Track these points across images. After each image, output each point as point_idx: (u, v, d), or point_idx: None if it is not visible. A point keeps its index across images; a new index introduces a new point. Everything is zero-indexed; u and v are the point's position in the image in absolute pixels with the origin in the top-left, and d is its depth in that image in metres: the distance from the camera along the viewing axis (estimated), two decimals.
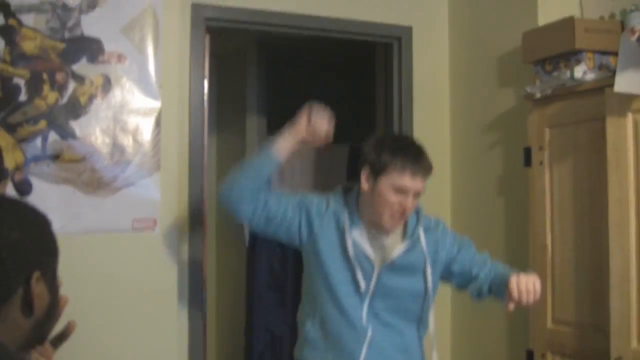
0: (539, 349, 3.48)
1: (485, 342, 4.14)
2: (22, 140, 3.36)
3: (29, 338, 1.49)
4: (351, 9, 4.23)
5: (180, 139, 3.72)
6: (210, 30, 3.89)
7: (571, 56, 3.30)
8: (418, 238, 2.89)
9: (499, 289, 2.80)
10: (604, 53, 3.28)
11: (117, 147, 3.52)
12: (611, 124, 3.05)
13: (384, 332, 2.85)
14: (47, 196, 3.37)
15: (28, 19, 3.38)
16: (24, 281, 1.43)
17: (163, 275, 3.65)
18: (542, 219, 3.48)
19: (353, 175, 3.06)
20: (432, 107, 4.42)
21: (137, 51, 3.56)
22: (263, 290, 5.28)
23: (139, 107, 3.57)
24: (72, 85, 3.45)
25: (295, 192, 3.00)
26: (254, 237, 5.28)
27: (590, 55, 3.27)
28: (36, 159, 3.38)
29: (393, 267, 2.85)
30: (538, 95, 3.45)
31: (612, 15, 3.45)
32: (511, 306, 2.66)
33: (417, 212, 2.96)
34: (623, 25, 3.26)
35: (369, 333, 2.82)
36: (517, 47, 3.71)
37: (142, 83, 3.58)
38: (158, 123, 3.61)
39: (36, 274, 1.44)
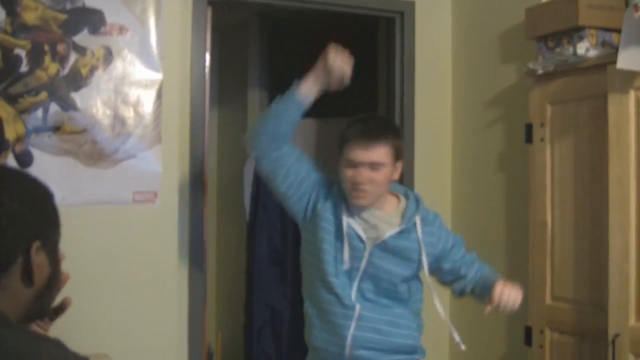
0: (538, 326, 3.50)
1: (484, 318, 4.14)
2: (23, 112, 3.35)
3: (30, 309, 1.49)
4: None
5: (181, 112, 3.72)
6: (212, 2, 3.87)
7: (574, 33, 3.28)
8: (414, 225, 2.90)
9: (482, 291, 2.93)
10: (607, 30, 3.27)
11: (118, 119, 3.52)
12: (613, 101, 3.04)
13: (372, 309, 2.86)
14: (48, 168, 3.37)
15: None
16: (23, 251, 1.43)
17: (163, 248, 3.66)
18: (542, 196, 3.48)
19: None
20: (434, 83, 4.41)
21: (139, 23, 3.55)
22: (263, 266, 5.29)
23: (140, 79, 3.56)
24: (73, 57, 3.44)
25: (314, 166, 3.00)
26: (254, 211, 5.29)
27: (593, 32, 3.26)
28: (37, 130, 3.37)
29: (384, 248, 2.86)
30: (540, 71, 3.44)
31: None
32: (489, 309, 2.77)
33: (417, 201, 2.97)
34: (627, 2, 3.25)
35: (357, 309, 2.84)
36: (520, 23, 3.70)
37: (144, 55, 3.57)
38: (159, 95, 3.61)
39: (36, 244, 1.44)
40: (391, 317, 2.89)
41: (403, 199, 2.98)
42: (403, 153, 2.94)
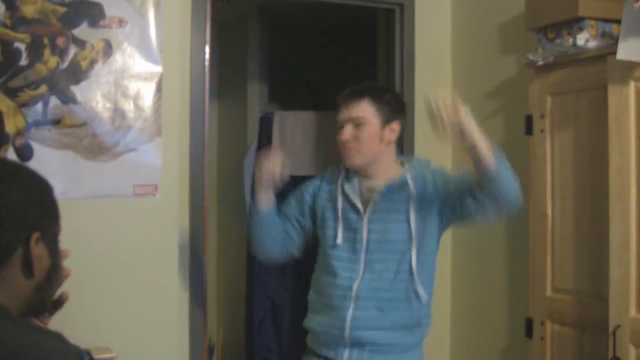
0: (539, 317, 3.50)
1: (485, 309, 4.16)
2: (23, 105, 3.35)
3: (31, 302, 1.49)
4: None
5: (181, 105, 3.71)
6: None
7: (574, 23, 3.28)
8: (405, 180, 2.93)
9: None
10: (607, 21, 3.26)
11: (118, 112, 3.52)
12: (613, 92, 3.04)
13: (373, 285, 2.88)
14: (48, 161, 3.37)
15: None
16: (23, 241, 1.43)
17: (164, 241, 3.66)
18: (542, 187, 3.48)
19: None
20: (434, 74, 4.41)
21: (138, 15, 3.55)
22: None
23: (140, 72, 3.56)
24: (73, 50, 3.44)
25: (292, 194, 3.18)
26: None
27: (593, 22, 3.25)
28: (37, 123, 3.37)
29: (378, 207, 2.90)
30: (540, 62, 3.43)
31: None
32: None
33: (418, 163, 3.03)
34: None
35: (355, 288, 2.87)
36: (520, 14, 3.69)
37: (143, 48, 3.57)
38: (159, 88, 3.61)
39: (35, 235, 1.44)
40: (393, 291, 2.89)
41: (408, 167, 3.01)
42: (395, 115, 2.98)
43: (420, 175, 2.95)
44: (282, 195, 3.14)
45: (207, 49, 3.81)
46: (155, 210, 3.63)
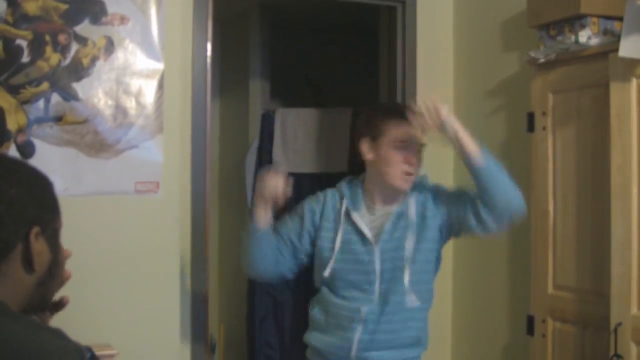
0: (540, 315, 3.50)
1: (486, 307, 4.16)
2: (24, 102, 3.35)
3: (32, 298, 1.49)
4: None
5: (183, 102, 3.71)
6: None
7: (576, 21, 3.28)
8: (407, 206, 2.94)
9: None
10: (609, 18, 3.26)
11: (119, 109, 3.52)
12: (615, 89, 3.03)
13: (381, 309, 2.88)
14: (50, 158, 3.37)
15: None
16: (23, 236, 1.43)
17: (166, 238, 3.66)
18: (544, 185, 3.48)
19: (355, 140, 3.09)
20: (436, 72, 4.40)
21: (140, 13, 3.55)
22: None
23: (141, 69, 3.56)
24: (74, 47, 3.44)
25: (291, 214, 3.13)
26: None
27: (595, 20, 3.25)
28: (39, 120, 3.38)
29: (385, 239, 2.90)
30: (542, 60, 3.43)
31: None
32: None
33: (415, 184, 3.02)
34: None
35: (363, 312, 2.87)
36: (522, 11, 3.69)
37: (145, 45, 3.57)
38: (161, 85, 3.61)
39: (35, 230, 1.44)
40: (402, 313, 2.90)
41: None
42: None
43: (420, 194, 2.98)
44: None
45: (209, 47, 3.81)
46: (156, 207, 3.63)
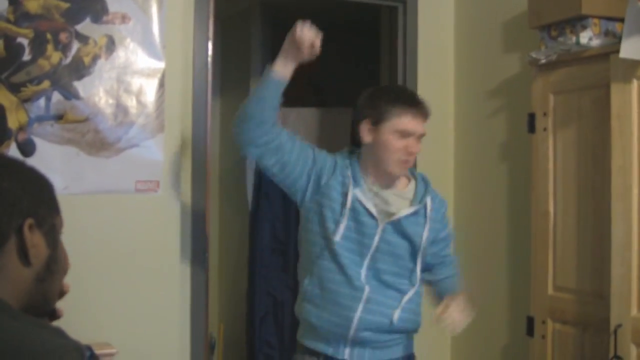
0: (540, 316, 3.50)
1: (486, 308, 4.16)
2: (25, 100, 3.35)
3: (32, 295, 1.48)
4: None
5: (183, 101, 3.71)
6: None
7: (577, 22, 3.28)
8: (425, 205, 2.93)
9: (439, 296, 3.01)
10: (610, 19, 3.26)
11: (120, 108, 3.52)
12: (616, 90, 3.03)
13: (380, 290, 2.87)
14: (51, 157, 3.37)
15: None
16: (16, 228, 1.43)
17: (166, 237, 3.66)
18: (545, 186, 3.48)
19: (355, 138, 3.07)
20: (437, 72, 4.41)
21: (141, 11, 3.55)
22: (265, 255, 5.30)
23: (142, 68, 3.56)
24: (75, 46, 3.44)
25: (307, 143, 2.98)
26: (257, 200, 5.29)
27: (596, 21, 3.25)
28: (40, 119, 3.37)
29: (397, 225, 2.87)
30: (543, 60, 3.43)
31: None
32: (434, 319, 2.79)
33: (425, 182, 3.01)
34: None
35: (366, 291, 2.84)
36: (523, 12, 3.69)
37: (146, 44, 3.57)
38: (162, 84, 3.61)
39: (29, 221, 1.44)
40: (399, 299, 2.89)
41: (412, 178, 3.02)
42: None
43: (436, 209, 2.99)
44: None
45: (210, 45, 3.81)
46: (157, 206, 3.63)
